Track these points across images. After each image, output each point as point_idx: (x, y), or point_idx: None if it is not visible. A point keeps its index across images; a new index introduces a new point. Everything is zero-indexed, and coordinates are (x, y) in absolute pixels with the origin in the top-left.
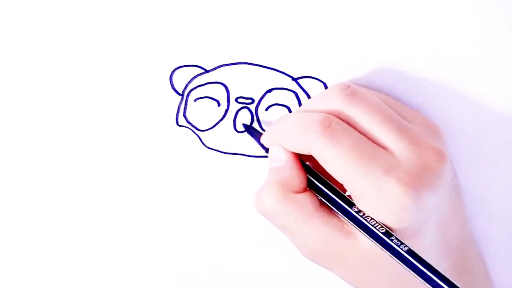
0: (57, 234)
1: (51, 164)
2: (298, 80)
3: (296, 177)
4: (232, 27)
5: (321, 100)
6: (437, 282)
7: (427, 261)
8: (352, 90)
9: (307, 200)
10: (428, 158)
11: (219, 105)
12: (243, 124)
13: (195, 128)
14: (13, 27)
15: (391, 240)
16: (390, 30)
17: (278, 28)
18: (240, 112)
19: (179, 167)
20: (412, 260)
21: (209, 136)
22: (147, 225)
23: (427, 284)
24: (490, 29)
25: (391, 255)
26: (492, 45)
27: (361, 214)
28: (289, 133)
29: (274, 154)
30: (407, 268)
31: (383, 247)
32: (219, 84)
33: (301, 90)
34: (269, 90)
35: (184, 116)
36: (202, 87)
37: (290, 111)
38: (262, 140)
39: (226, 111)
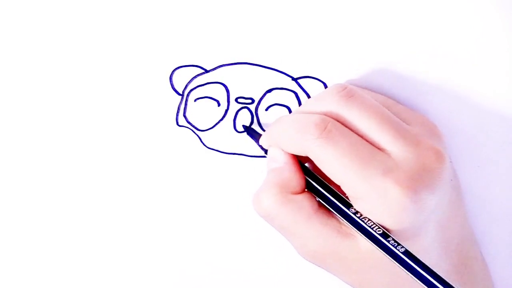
0: (57, 234)
1: (51, 164)
2: (298, 80)
3: (295, 178)
4: (232, 27)
5: (318, 102)
6: (433, 283)
7: (426, 261)
8: (349, 92)
9: (306, 202)
10: (426, 159)
11: (219, 105)
12: (243, 126)
13: (195, 128)
14: (13, 27)
15: (388, 241)
16: (390, 30)
17: (278, 28)
18: (240, 112)
19: (179, 167)
20: (408, 261)
21: (209, 136)
22: (147, 225)
23: (423, 285)
24: (490, 29)
25: (388, 256)
26: (492, 45)
27: (358, 215)
28: (286, 134)
29: (272, 156)
30: (404, 269)
31: (380, 248)
32: (219, 84)
33: (301, 90)
34: (269, 90)
35: (184, 116)
36: (202, 87)
37: (290, 111)
38: (261, 142)
39: (226, 111)
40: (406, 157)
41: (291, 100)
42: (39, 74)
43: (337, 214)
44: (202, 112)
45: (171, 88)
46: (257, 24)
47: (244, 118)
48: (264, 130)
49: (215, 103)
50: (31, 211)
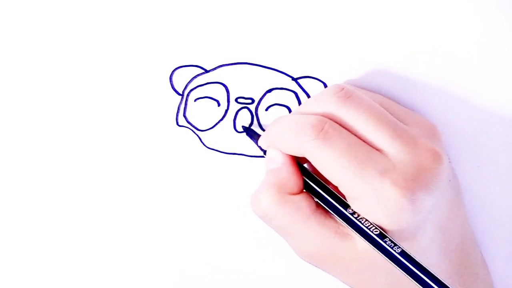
0: (57, 234)
1: (51, 164)
2: (298, 80)
3: (292, 179)
4: (232, 27)
5: (315, 102)
6: (429, 284)
7: (424, 262)
8: (347, 92)
9: (304, 202)
10: (424, 159)
11: (219, 105)
12: (242, 126)
13: (195, 128)
14: (13, 27)
15: (385, 242)
16: (390, 30)
17: (278, 28)
18: (240, 112)
19: (179, 167)
20: (404, 262)
21: (209, 136)
22: (147, 225)
23: (419, 286)
24: (490, 29)
25: (384, 256)
26: (492, 45)
27: (355, 215)
28: (284, 135)
29: (270, 156)
30: (400, 270)
31: (376, 248)
32: (219, 84)
33: (301, 90)
34: (269, 90)
35: (184, 116)
36: (202, 87)
37: (290, 111)
38: (259, 143)
39: (226, 111)
40: (403, 157)
41: (291, 100)
42: (39, 74)
43: (335, 215)
44: (202, 112)
45: (171, 88)
46: (257, 24)
47: (244, 118)
48: (264, 130)
49: (215, 103)
50: (31, 211)
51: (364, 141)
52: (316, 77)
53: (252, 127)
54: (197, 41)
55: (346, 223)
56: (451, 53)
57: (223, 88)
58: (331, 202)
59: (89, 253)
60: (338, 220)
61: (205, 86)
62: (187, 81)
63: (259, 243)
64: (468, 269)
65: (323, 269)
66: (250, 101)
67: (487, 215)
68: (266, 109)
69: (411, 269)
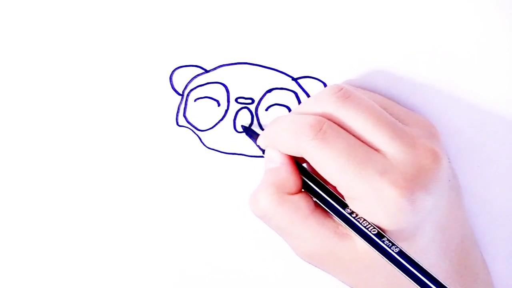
0: (57, 234)
1: (50, 164)
2: (298, 80)
3: (291, 178)
4: (232, 27)
5: (314, 102)
6: (427, 284)
7: (423, 262)
8: (345, 93)
9: (302, 202)
10: (423, 159)
11: (219, 105)
12: (242, 126)
13: (195, 128)
14: (13, 27)
15: (383, 242)
16: (390, 30)
17: (278, 28)
18: (240, 112)
19: (179, 167)
20: (402, 261)
21: (209, 136)
22: (147, 225)
23: (417, 285)
24: (490, 29)
25: (382, 256)
26: (492, 45)
27: (354, 215)
28: (282, 135)
29: (269, 156)
30: (398, 269)
31: (375, 248)
32: (219, 84)
33: (301, 90)
34: (269, 90)
35: (184, 116)
36: (202, 87)
37: (290, 111)
38: (258, 142)
39: (226, 111)
40: (402, 157)
41: (291, 100)
42: (39, 75)
43: (333, 214)
44: (202, 112)
45: (171, 88)
46: (257, 24)
47: (244, 118)
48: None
49: (215, 103)
50: (31, 210)
51: (363, 141)
52: (316, 77)
53: (252, 127)
54: (197, 41)
55: (345, 222)
56: (451, 53)
57: (223, 88)
58: (330, 202)
59: (89, 253)
60: (337, 220)
61: (205, 86)
62: (187, 81)
63: (258, 243)
64: (468, 269)
65: (323, 269)
66: (250, 101)
67: (487, 215)
68: (266, 109)
69: (409, 269)
